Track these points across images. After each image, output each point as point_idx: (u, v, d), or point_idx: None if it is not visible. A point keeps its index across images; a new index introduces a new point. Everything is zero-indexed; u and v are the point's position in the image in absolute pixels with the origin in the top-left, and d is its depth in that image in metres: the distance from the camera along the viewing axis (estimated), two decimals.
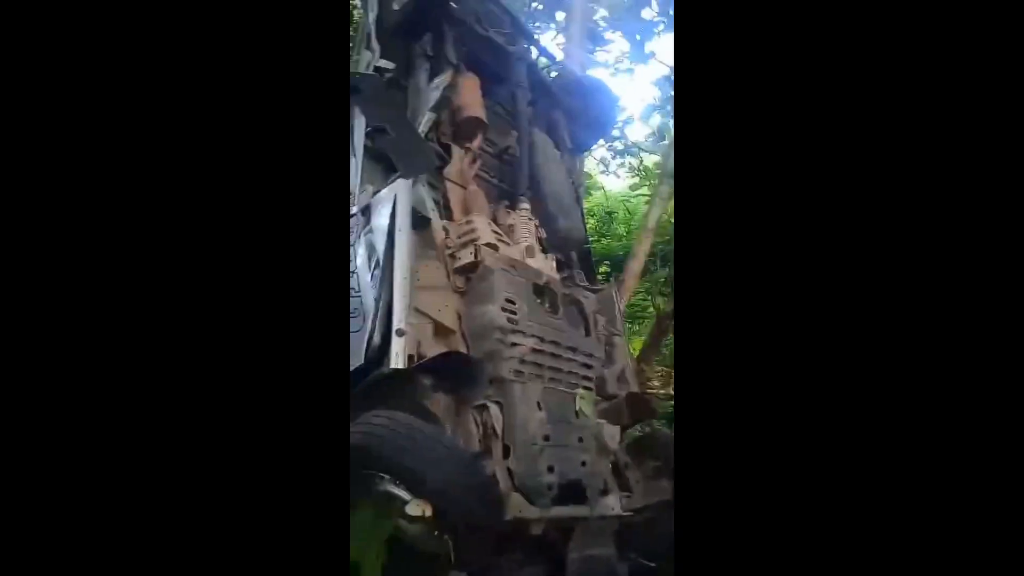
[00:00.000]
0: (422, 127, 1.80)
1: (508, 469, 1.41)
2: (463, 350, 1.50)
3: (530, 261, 1.81)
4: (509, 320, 1.59)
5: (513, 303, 1.62)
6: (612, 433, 1.78)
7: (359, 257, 1.54)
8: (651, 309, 3.95)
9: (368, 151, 1.68)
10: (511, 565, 1.43)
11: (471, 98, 1.98)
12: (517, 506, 1.36)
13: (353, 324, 1.39)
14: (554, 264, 1.99)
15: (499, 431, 1.44)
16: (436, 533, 1.14)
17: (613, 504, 1.63)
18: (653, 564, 1.80)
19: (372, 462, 1.10)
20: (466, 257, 1.64)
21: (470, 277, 1.64)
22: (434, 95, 1.86)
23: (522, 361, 1.58)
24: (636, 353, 3.93)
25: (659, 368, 3.99)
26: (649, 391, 3.35)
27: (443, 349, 1.44)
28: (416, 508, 1.10)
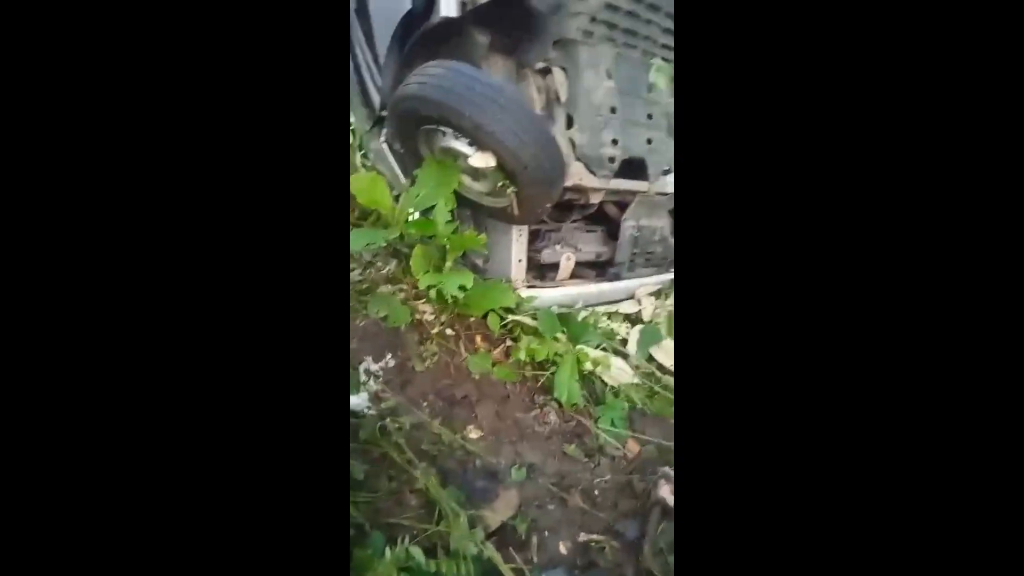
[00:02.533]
0: None
1: (571, 139, 1.37)
2: None
3: None
4: None
5: None
6: None
7: None
8: None
9: None
10: (571, 226, 1.55)
11: None
12: (578, 174, 1.38)
13: None
14: None
15: (563, 98, 1.34)
16: (500, 185, 1.20)
17: (673, 183, 1.62)
18: None
19: (431, 112, 1.08)
20: None
21: None
22: None
23: (593, 19, 1.35)
24: None
25: None
26: None
27: None
28: (480, 160, 1.11)
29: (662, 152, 1.58)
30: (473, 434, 1.16)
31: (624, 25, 1.41)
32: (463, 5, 1.18)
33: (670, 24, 1.51)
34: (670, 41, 1.54)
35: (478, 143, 1.09)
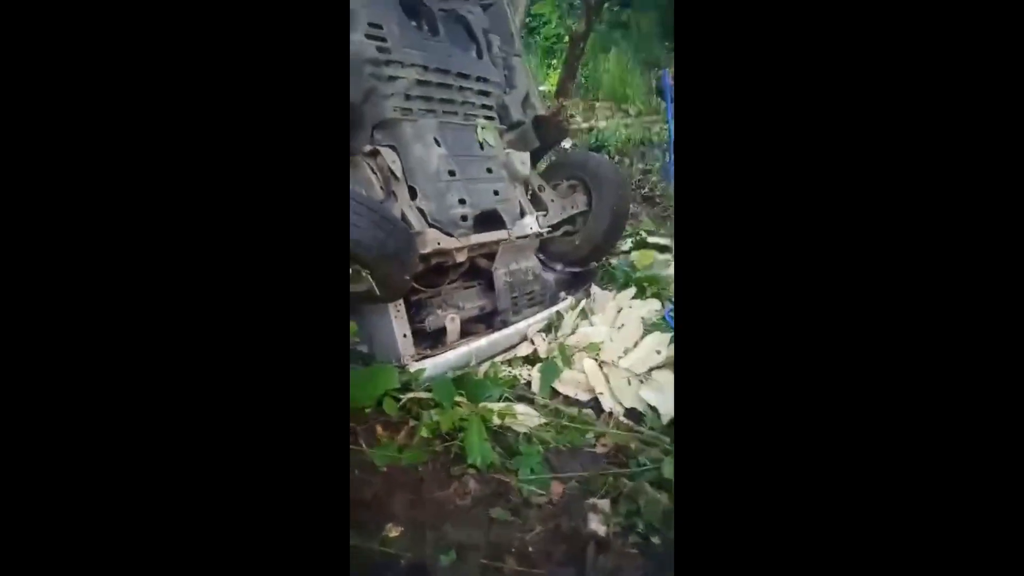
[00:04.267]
0: None
1: (418, 208, 1.41)
2: None
3: None
4: (379, 49, 1.38)
5: (380, 27, 1.38)
6: (522, 159, 1.76)
7: None
8: (562, 33, 3.58)
9: None
10: (449, 288, 1.57)
11: None
12: (435, 239, 1.41)
13: None
14: None
15: (399, 174, 1.39)
16: (352, 271, 1.18)
17: (531, 224, 1.72)
18: (577, 269, 2.03)
19: None
20: None
21: None
22: None
23: (407, 97, 1.43)
24: (554, 88, 3.72)
25: (581, 102, 3.83)
26: (571, 124, 3.27)
27: None
28: None
29: (511, 199, 1.67)
30: (392, 532, 1.08)
31: (439, 96, 1.51)
32: None
33: (483, 87, 1.64)
34: (488, 101, 1.67)
35: None
